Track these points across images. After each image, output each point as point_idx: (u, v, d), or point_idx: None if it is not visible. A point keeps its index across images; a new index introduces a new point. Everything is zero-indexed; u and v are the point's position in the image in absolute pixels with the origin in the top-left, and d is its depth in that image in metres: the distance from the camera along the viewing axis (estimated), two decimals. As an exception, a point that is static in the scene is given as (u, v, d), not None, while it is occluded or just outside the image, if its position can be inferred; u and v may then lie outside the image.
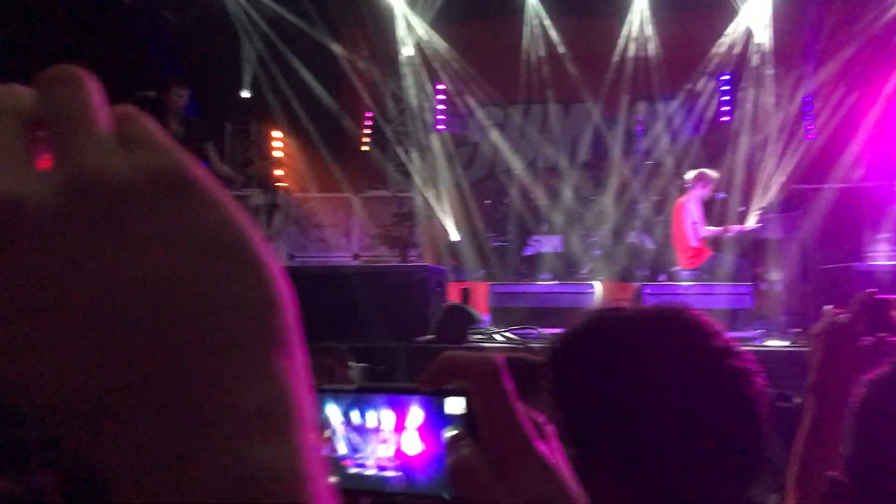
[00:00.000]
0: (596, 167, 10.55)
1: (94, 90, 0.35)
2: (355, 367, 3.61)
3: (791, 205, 8.24)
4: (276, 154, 10.45)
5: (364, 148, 10.95)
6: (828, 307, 4.50)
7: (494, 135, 11.16)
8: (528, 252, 9.93)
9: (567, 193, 10.28)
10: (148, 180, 0.33)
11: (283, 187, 10.06)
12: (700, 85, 10.43)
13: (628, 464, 1.08)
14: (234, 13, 10.13)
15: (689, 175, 8.48)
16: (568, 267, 9.56)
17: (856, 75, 9.18)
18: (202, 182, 0.34)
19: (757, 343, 5.84)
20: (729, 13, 9.98)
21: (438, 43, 10.61)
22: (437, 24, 10.49)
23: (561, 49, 10.49)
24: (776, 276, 7.22)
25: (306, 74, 10.44)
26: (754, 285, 6.59)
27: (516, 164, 10.93)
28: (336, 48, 10.38)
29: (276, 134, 10.62)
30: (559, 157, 10.96)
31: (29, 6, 8.03)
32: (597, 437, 1.10)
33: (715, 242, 8.13)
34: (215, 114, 10.39)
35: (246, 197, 9.57)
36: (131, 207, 0.33)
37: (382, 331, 6.25)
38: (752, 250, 7.86)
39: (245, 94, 10.47)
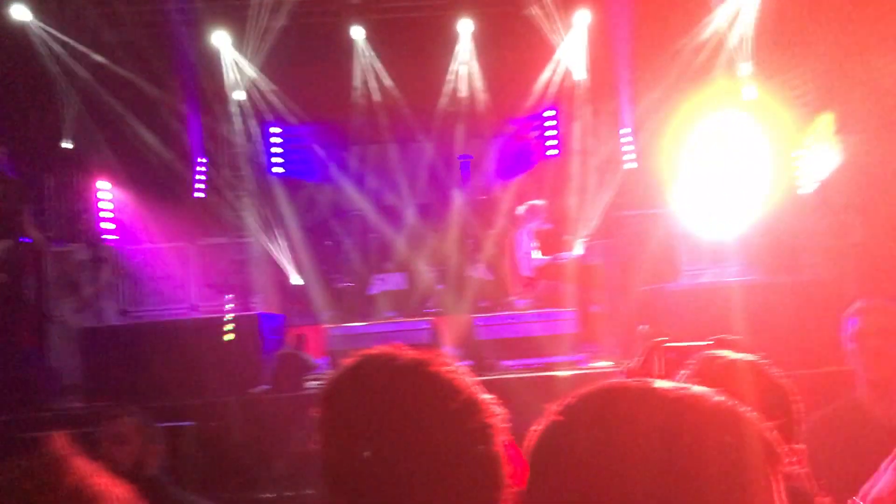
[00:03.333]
0: (433, 204, 10.76)
1: None
2: (157, 432, 3.48)
3: (613, 231, 8.70)
4: (103, 205, 10.01)
5: (198, 195, 10.67)
6: (643, 327, 4.77)
7: (333, 176, 11.18)
8: (373, 291, 9.96)
9: (407, 231, 10.42)
10: None
11: (110, 240, 9.64)
12: (527, 121, 10.89)
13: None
14: (49, 61, 9.66)
15: (520, 208, 8.81)
16: (412, 303, 9.67)
17: (668, 108, 9.81)
18: None
19: (582, 365, 6.09)
20: (550, 51, 10.45)
21: (269, 86, 10.54)
22: (267, 66, 10.41)
23: (393, 89, 10.64)
24: (600, 300, 7.58)
25: (133, 121, 10.09)
26: (580, 310, 6.89)
27: (356, 205, 10.98)
28: (162, 94, 10.08)
29: (104, 184, 10.18)
30: (398, 196, 11.10)
31: None
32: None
33: (544, 271, 8.45)
34: (35, 167, 9.88)
35: (70, 252, 9.13)
36: None
37: (215, 384, 6.08)
38: (579, 276, 8.22)
39: (67, 144, 9.98)
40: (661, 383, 0.93)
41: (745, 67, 9.68)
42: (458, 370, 1.30)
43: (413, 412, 1.23)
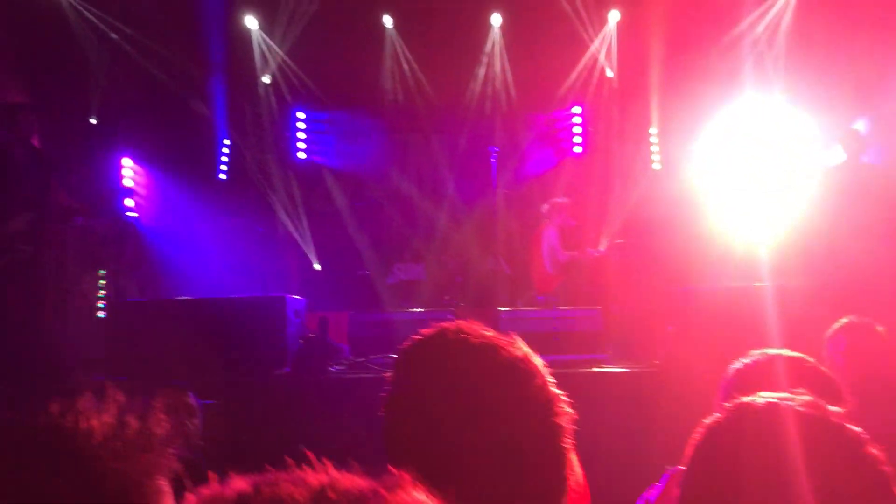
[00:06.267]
0: (456, 195, 10.73)
1: None
2: (195, 404, 3.48)
3: (638, 231, 8.65)
4: (127, 182, 10.02)
5: (222, 176, 10.69)
6: (670, 328, 4.72)
7: (356, 164, 11.16)
8: (392, 280, 9.94)
9: (428, 222, 10.39)
10: None
11: (133, 217, 9.66)
12: (554, 117, 10.85)
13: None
14: (80, 37, 9.65)
15: (546, 205, 8.76)
16: (430, 294, 9.63)
17: (696, 109, 9.73)
18: None
19: (606, 365, 6.05)
20: (581, 48, 10.38)
21: (297, 71, 10.52)
22: (296, 51, 10.39)
23: (421, 79, 10.61)
24: (624, 299, 7.54)
25: (161, 100, 10.09)
26: (604, 308, 6.85)
27: (378, 193, 10.96)
28: (189, 73, 10.07)
29: (128, 162, 10.19)
30: (421, 186, 11.07)
31: None
32: None
33: (567, 268, 8.41)
34: (62, 141, 9.88)
35: (92, 227, 9.13)
36: None
37: (238, 364, 6.08)
38: (602, 275, 8.18)
39: (93, 120, 9.98)
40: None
41: (777, 70, 9.60)
42: (535, 360, 1.25)
43: (485, 395, 1.18)
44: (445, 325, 1.28)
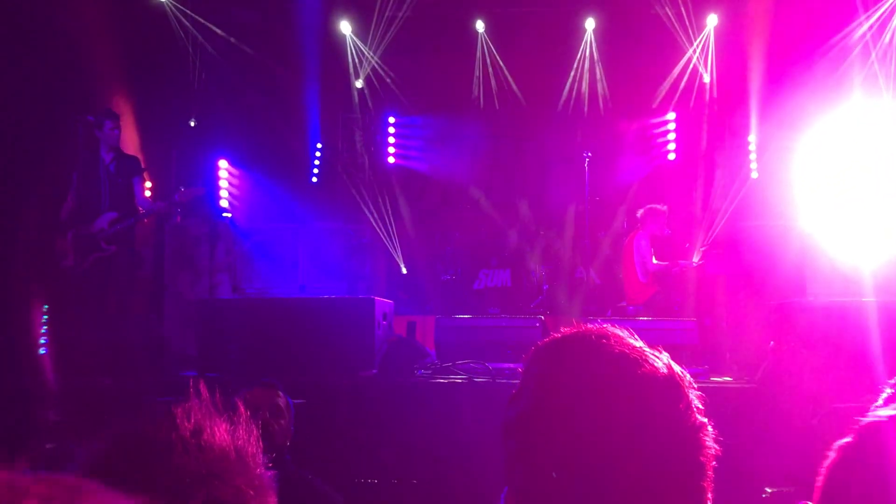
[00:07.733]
0: (545, 202, 10.59)
1: None
2: (285, 403, 3.47)
3: (735, 241, 8.35)
4: (223, 184, 10.26)
5: (314, 179, 10.85)
6: (771, 343, 4.48)
7: (445, 169, 11.17)
8: (477, 286, 9.88)
9: (517, 228, 10.29)
10: None
11: (227, 217, 9.88)
12: (648, 124, 10.60)
13: None
14: (182, 41, 9.95)
15: (640, 212, 8.54)
16: (516, 301, 9.53)
17: (798, 115, 9.35)
18: None
19: (702, 379, 5.83)
20: (677, 53, 10.11)
21: (390, 75, 10.59)
22: (389, 56, 10.47)
23: (512, 84, 10.54)
24: (719, 312, 7.29)
25: (256, 103, 10.31)
26: (699, 321, 6.61)
27: (468, 198, 10.92)
28: (285, 78, 10.26)
29: (224, 164, 10.45)
30: (509, 192, 10.99)
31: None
32: None
33: (660, 278, 8.17)
34: (162, 143, 10.20)
35: (187, 227, 9.38)
36: None
37: (326, 364, 6.11)
38: (697, 286, 7.92)
39: (192, 123, 10.28)
40: None
41: (887, 74, 9.14)
42: (682, 379, 1.09)
43: (618, 415, 1.04)
44: (589, 326, 1.15)
